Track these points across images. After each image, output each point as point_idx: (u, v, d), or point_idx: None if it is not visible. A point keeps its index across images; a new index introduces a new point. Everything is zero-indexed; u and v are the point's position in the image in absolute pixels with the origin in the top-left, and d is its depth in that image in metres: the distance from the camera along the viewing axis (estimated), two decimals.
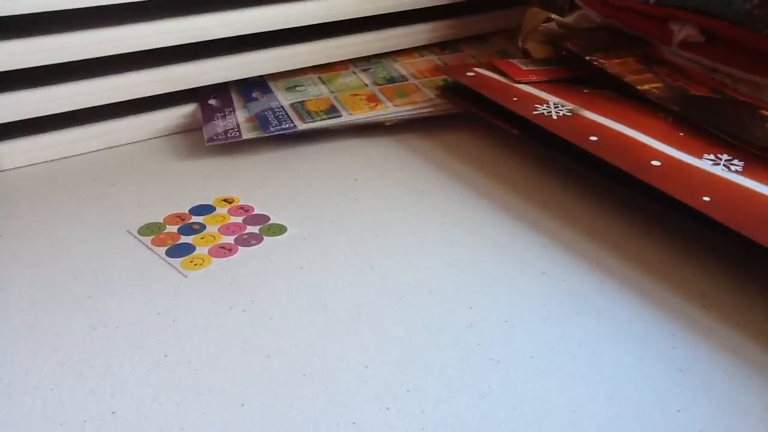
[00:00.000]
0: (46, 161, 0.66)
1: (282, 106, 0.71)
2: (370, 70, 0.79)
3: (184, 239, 0.54)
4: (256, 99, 0.73)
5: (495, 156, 0.67)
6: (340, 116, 0.69)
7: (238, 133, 0.67)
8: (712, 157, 0.54)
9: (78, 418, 0.38)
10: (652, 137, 0.56)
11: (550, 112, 0.61)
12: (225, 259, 0.52)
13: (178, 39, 0.68)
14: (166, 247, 0.53)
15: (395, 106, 0.71)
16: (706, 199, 0.49)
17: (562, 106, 0.61)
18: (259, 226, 0.56)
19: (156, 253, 0.52)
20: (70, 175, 0.64)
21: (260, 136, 0.67)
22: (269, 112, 0.70)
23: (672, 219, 0.56)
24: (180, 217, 0.57)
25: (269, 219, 0.57)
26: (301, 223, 0.56)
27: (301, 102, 0.72)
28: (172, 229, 0.55)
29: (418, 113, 0.71)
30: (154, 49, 0.67)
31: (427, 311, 0.46)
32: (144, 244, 0.53)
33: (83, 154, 0.68)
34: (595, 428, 0.38)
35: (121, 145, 0.69)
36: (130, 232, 0.55)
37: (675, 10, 0.66)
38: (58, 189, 0.61)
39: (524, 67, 0.69)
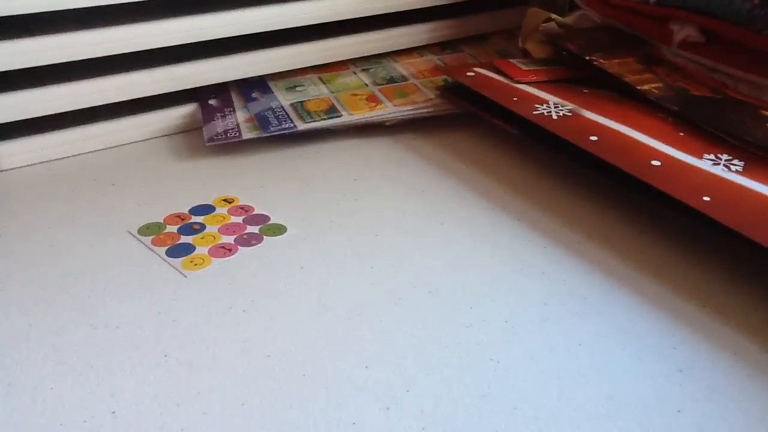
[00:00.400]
0: (46, 161, 0.66)
1: (282, 106, 0.71)
2: (370, 70, 0.79)
3: (184, 239, 0.54)
4: (256, 99, 0.73)
5: (495, 156, 0.67)
6: (340, 116, 0.69)
7: (238, 133, 0.67)
8: (712, 157, 0.54)
9: (78, 418, 0.38)
10: (652, 137, 0.56)
11: (550, 112, 0.61)
12: (225, 259, 0.52)
13: (178, 39, 0.68)
14: (166, 247, 0.53)
15: (395, 106, 0.71)
16: (706, 199, 0.49)
17: (562, 106, 0.61)
18: (259, 226, 0.56)
19: (156, 253, 0.52)
20: (70, 175, 0.64)
21: (260, 136, 0.67)
22: (269, 112, 0.70)
23: (672, 219, 0.56)
24: (180, 217, 0.57)
25: (269, 219, 0.57)
26: (301, 223, 0.56)
27: (301, 102, 0.72)
28: (172, 229, 0.55)
29: (418, 113, 0.71)
30: (154, 49, 0.67)
31: (427, 311, 0.46)
32: (144, 244, 0.53)
33: (83, 154, 0.67)
34: (595, 428, 0.38)
35: (121, 145, 0.69)
36: (130, 232, 0.55)
37: (675, 10, 0.66)
38: (58, 189, 0.61)
39: (524, 67, 0.69)
